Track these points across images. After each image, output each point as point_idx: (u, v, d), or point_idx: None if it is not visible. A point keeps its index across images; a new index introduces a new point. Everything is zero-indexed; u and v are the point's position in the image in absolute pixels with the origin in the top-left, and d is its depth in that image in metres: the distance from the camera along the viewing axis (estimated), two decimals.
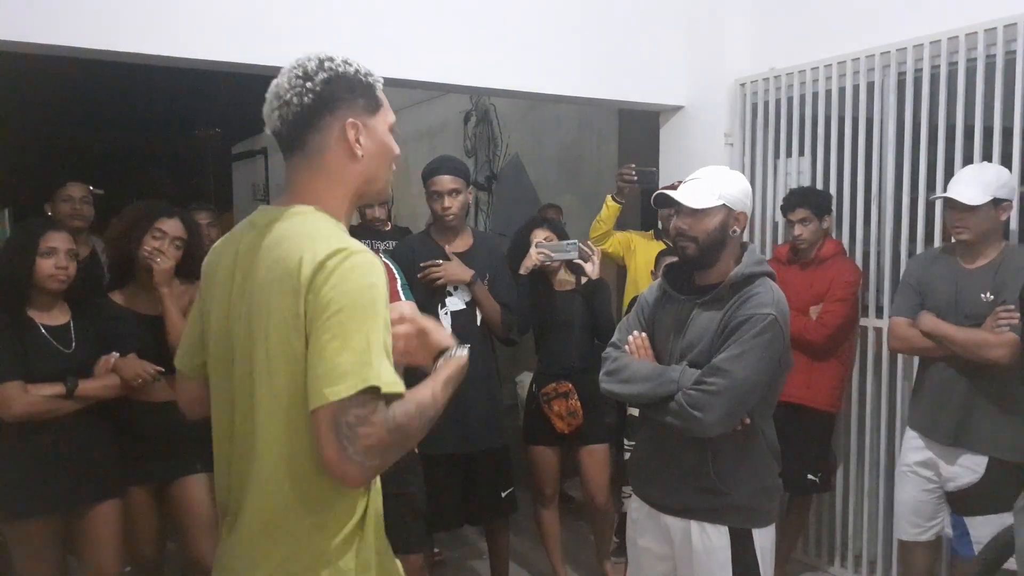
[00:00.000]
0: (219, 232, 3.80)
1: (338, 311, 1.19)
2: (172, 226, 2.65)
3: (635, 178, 3.66)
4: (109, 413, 2.57)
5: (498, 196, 7.10)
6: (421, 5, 3.36)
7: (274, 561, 1.28)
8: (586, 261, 3.24)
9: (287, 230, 1.30)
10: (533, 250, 3.21)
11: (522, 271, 3.21)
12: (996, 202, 2.56)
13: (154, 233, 2.62)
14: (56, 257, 2.46)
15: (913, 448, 2.81)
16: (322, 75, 1.33)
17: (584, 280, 3.28)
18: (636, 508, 2.22)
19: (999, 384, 2.56)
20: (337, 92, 1.34)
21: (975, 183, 2.57)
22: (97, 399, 2.50)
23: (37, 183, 3.60)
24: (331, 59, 1.35)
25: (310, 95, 1.32)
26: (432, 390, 1.33)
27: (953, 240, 2.73)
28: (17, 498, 2.41)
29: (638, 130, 5.03)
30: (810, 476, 3.28)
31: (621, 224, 3.90)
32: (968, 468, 2.65)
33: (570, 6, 3.74)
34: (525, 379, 3.91)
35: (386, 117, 1.42)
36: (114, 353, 2.55)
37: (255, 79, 3.44)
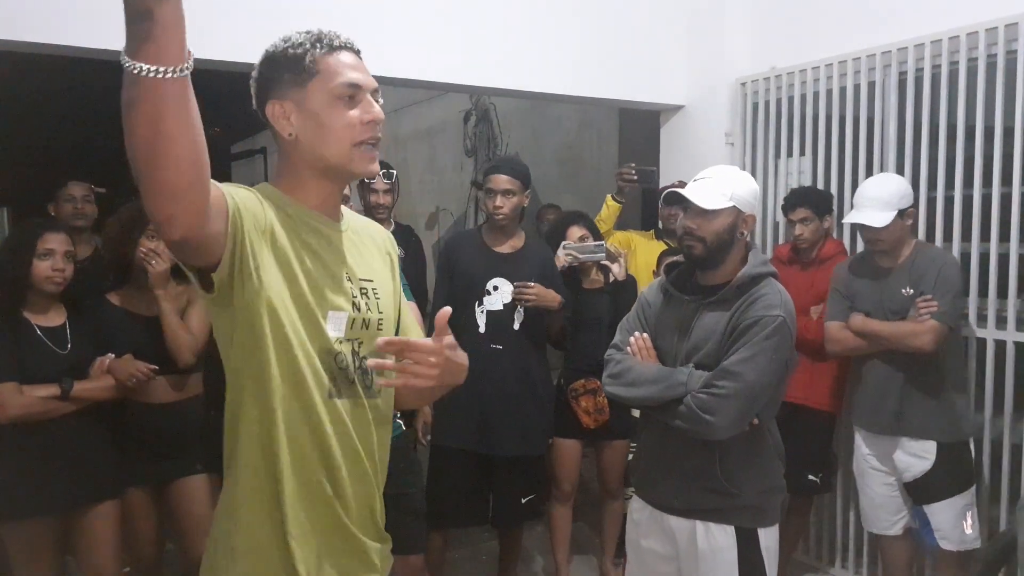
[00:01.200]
0: None
1: None
2: None
3: (635, 177, 3.66)
4: (106, 414, 2.56)
5: None
6: (421, 5, 3.36)
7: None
8: (613, 262, 3.24)
9: None
10: (561, 252, 3.21)
11: None
12: (900, 213, 2.77)
13: (149, 234, 2.60)
14: (53, 259, 2.45)
15: (864, 446, 2.97)
16: (257, 63, 1.31)
17: (612, 279, 3.29)
18: (638, 510, 2.21)
19: (930, 371, 2.77)
20: (266, 75, 1.30)
21: (879, 203, 2.77)
22: (93, 400, 2.48)
23: (36, 182, 3.58)
24: (273, 43, 1.31)
25: (254, 85, 1.32)
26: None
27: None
28: (14, 499, 2.40)
29: (638, 130, 5.03)
30: (810, 477, 3.27)
31: (621, 224, 3.90)
32: (917, 456, 2.80)
33: (570, 6, 3.74)
34: None
35: (324, 85, 1.27)
36: (109, 354, 2.54)
37: None
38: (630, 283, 3.33)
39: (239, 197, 1.21)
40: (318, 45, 1.28)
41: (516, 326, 2.98)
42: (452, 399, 2.83)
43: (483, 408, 2.93)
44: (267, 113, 1.29)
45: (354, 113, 1.28)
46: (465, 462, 2.99)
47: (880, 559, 3.17)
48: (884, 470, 2.92)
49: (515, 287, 2.95)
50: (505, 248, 3.03)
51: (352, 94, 1.28)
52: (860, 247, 3.42)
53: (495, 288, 2.98)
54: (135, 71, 0.95)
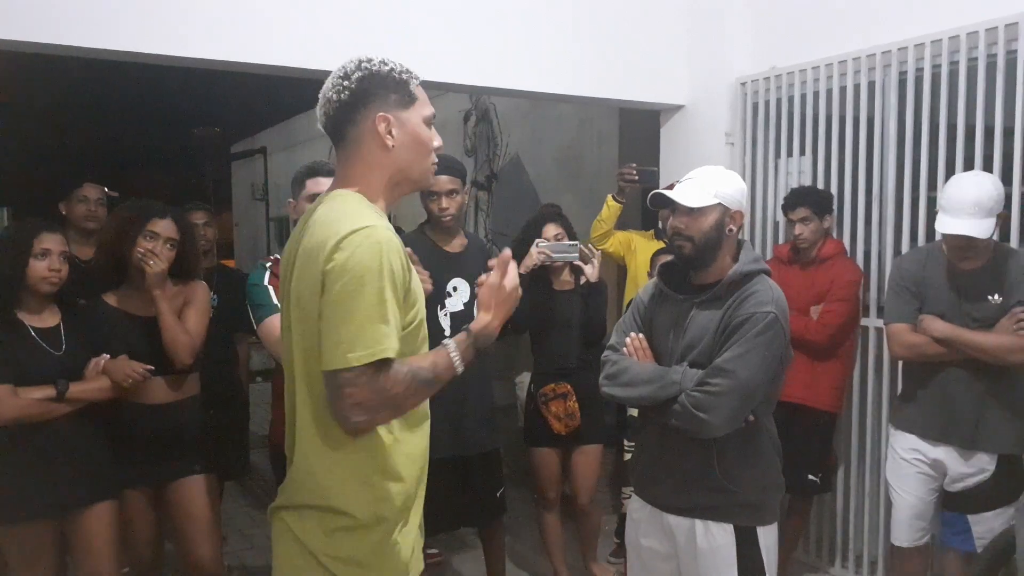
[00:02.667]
0: (215, 232, 3.78)
1: (343, 285, 1.37)
2: (164, 227, 2.62)
3: (636, 177, 3.66)
4: (102, 415, 2.55)
5: (498, 196, 7.09)
6: (422, 5, 3.35)
7: (304, 493, 1.52)
8: (586, 263, 3.22)
9: (325, 211, 1.50)
10: (534, 249, 3.17)
11: (522, 270, 3.17)
12: (997, 217, 2.55)
13: (146, 234, 2.59)
14: (50, 259, 2.44)
15: (918, 454, 2.76)
16: (358, 73, 1.50)
17: (584, 280, 3.26)
18: (637, 509, 2.21)
19: (1008, 384, 2.60)
20: (371, 88, 1.50)
21: (982, 209, 2.48)
22: (88, 402, 2.47)
23: (36, 183, 3.58)
24: (369, 60, 1.52)
25: (347, 92, 1.50)
26: (434, 362, 1.49)
27: (944, 248, 2.67)
28: (11, 502, 2.40)
29: (639, 129, 5.03)
30: (811, 476, 3.27)
31: (622, 224, 3.89)
32: (980, 468, 2.64)
33: (571, 5, 3.73)
34: (525, 379, 3.89)
35: (421, 111, 1.56)
36: (104, 355, 2.53)
37: (255, 79, 3.45)
38: (602, 285, 3.29)
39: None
40: (413, 76, 1.56)
41: None
42: (431, 411, 2.77)
43: (457, 411, 2.88)
44: (376, 122, 1.50)
45: (433, 138, 1.60)
46: (446, 470, 2.92)
47: (892, 569, 3.08)
48: (933, 475, 2.74)
49: (478, 282, 2.90)
50: (455, 248, 2.98)
51: (431, 122, 1.59)
52: (860, 247, 3.42)
53: (455, 289, 2.92)
54: (458, 366, 1.51)
